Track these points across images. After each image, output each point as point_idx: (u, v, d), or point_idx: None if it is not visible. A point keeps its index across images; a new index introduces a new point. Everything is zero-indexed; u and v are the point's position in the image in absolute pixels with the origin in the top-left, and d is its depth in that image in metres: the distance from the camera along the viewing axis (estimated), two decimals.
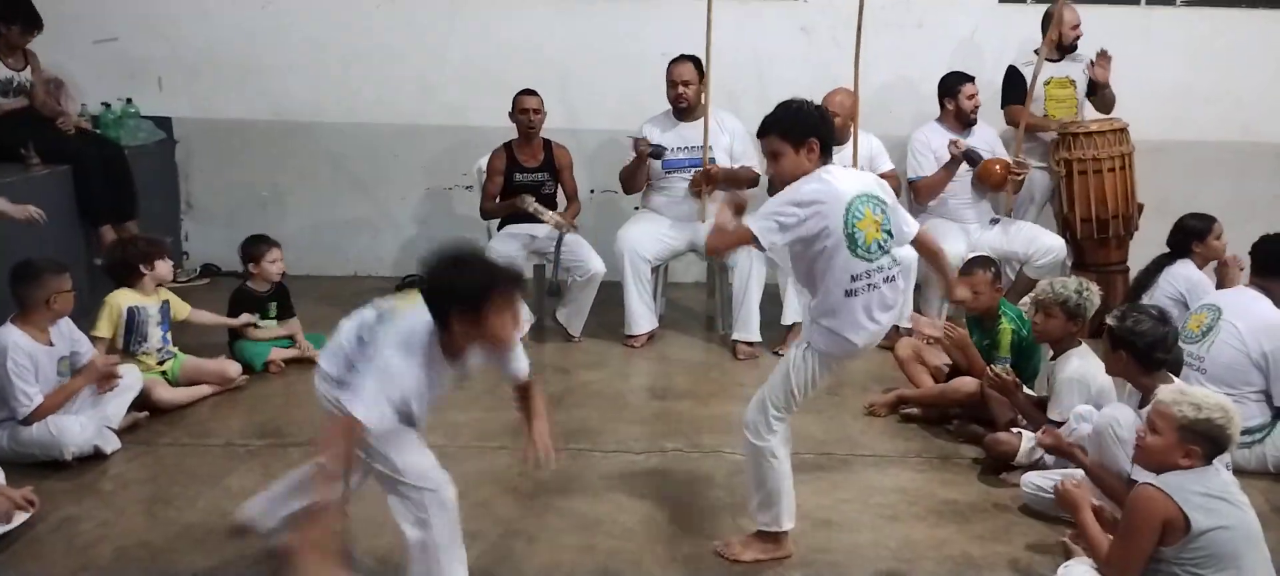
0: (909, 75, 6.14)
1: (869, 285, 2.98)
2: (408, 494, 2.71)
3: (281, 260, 4.97)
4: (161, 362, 4.45)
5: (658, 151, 5.31)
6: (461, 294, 2.53)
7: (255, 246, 4.94)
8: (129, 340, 4.36)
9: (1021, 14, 6.13)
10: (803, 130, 2.94)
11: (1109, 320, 3.30)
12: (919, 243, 3.23)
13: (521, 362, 2.96)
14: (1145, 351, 3.22)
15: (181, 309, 4.64)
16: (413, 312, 2.63)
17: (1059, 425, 3.69)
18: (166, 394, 4.31)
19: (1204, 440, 2.62)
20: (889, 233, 3.02)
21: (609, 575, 3.16)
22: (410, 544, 2.72)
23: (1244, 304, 3.92)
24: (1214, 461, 2.69)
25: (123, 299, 4.38)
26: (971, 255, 4.65)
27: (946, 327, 4.31)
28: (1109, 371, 3.46)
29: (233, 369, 4.59)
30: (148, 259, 4.47)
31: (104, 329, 4.29)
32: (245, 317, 4.82)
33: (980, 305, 4.21)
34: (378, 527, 3.17)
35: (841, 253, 2.94)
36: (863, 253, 2.95)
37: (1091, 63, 5.77)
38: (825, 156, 2.99)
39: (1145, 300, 4.53)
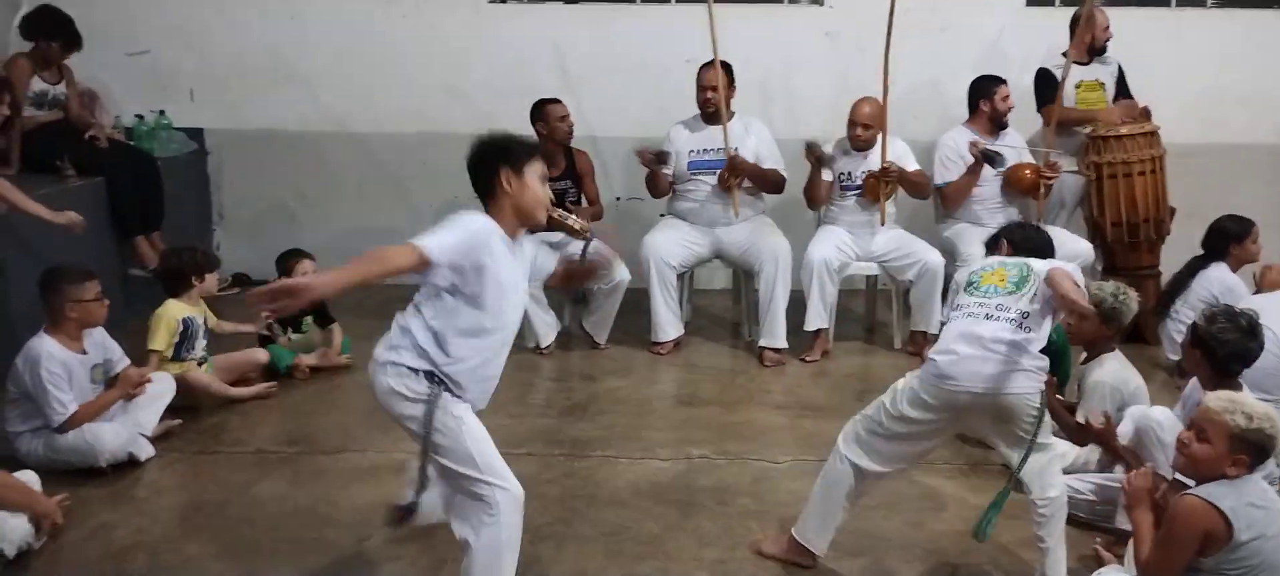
0: (934, 79, 6.11)
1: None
2: (481, 492, 2.70)
3: (311, 271, 5.00)
4: (200, 363, 4.54)
5: (662, 157, 5.32)
6: (504, 154, 2.79)
7: (288, 260, 5.01)
8: (180, 348, 4.46)
9: (1048, 17, 6.09)
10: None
11: (1198, 319, 3.26)
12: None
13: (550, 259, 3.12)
14: (1223, 360, 3.19)
15: (210, 317, 4.71)
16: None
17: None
18: (202, 379, 4.43)
19: (1253, 449, 2.57)
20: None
21: None
22: (476, 545, 2.70)
23: (1274, 310, 3.86)
24: (1259, 479, 2.65)
25: (176, 310, 4.46)
26: None
27: None
28: (1187, 367, 3.41)
29: (260, 355, 4.72)
30: (200, 271, 4.58)
31: (160, 342, 4.37)
32: (263, 320, 4.86)
33: None
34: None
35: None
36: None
37: (1123, 83, 5.71)
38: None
39: (1179, 303, 4.49)
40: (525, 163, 2.80)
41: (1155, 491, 2.82)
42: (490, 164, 2.81)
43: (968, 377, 2.88)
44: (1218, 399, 2.67)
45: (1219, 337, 3.16)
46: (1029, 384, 2.88)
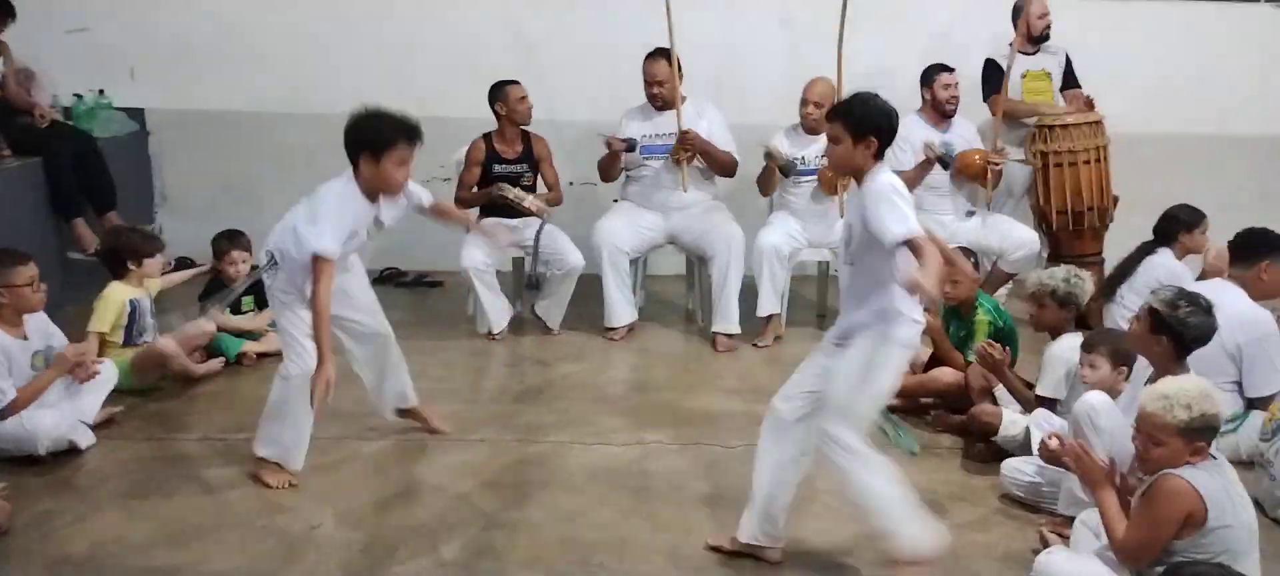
0: (888, 67, 6.13)
1: None
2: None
3: (245, 262, 4.87)
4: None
5: (632, 146, 5.31)
6: (366, 140, 3.37)
7: (221, 243, 4.91)
8: (130, 332, 4.37)
9: (1000, 6, 6.16)
10: (865, 126, 2.89)
11: (1156, 304, 3.26)
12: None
13: (423, 195, 3.75)
14: (1189, 343, 3.24)
15: (154, 286, 4.61)
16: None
17: (1050, 402, 3.78)
18: (181, 360, 4.36)
19: (1204, 432, 2.64)
20: None
21: (590, 566, 3.15)
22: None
23: (1218, 295, 3.94)
24: (1220, 456, 2.73)
25: (121, 293, 4.37)
26: (960, 245, 4.67)
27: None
28: (1134, 346, 3.41)
29: (207, 325, 4.62)
30: (137, 255, 4.46)
31: (103, 323, 4.28)
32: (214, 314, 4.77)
33: (959, 295, 4.24)
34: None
35: None
36: None
37: (1071, 72, 5.80)
38: (878, 157, 2.91)
39: (1125, 288, 4.58)
40: (384, 153, 3.36)
41: (1111, 472, 2.87)
42: (352, 148, 3.42)
43: None
44: (1151, 401, 2.70)
45: (1185, 321, 3.21)
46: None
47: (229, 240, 4.91)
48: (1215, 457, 2.70)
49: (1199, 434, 2.63)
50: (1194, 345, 3.25)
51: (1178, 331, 3.21)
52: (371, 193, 3.43)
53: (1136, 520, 2.71)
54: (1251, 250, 4.13)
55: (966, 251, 4.45)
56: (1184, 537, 2.61)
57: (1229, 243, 4.30)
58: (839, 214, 5.33)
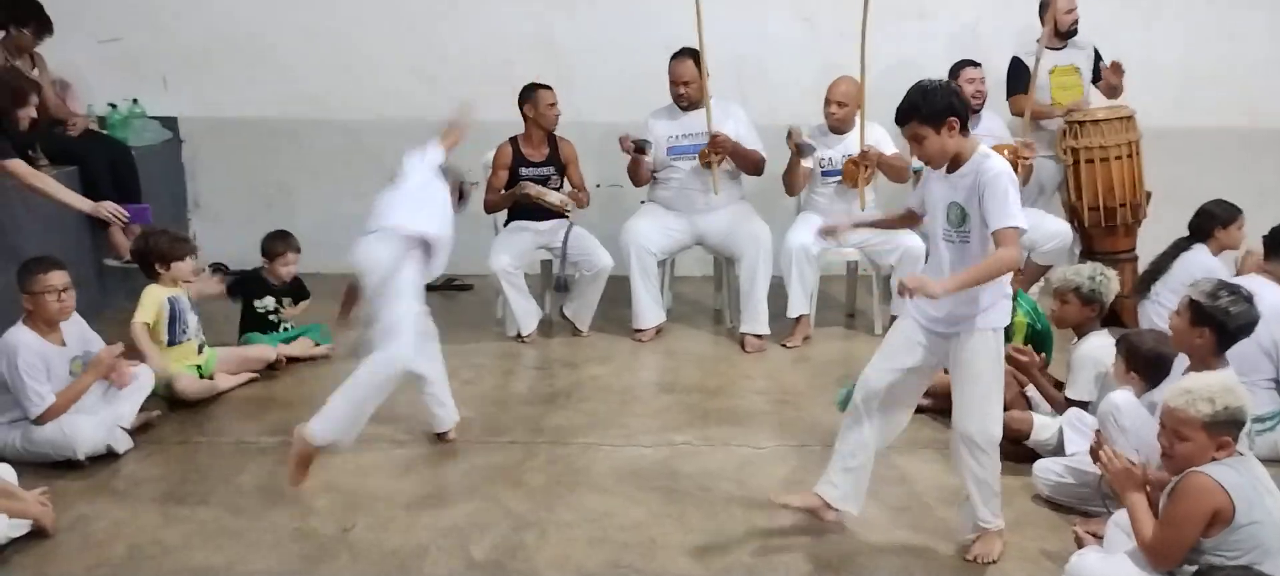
0: (911, 64, 6.08)
1: None
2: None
3: (295, 264, 5.05)
4: (200, 349, 4.52)
5: (643, 146, 5.31)
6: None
7: (272, 244, 5.01)
8: (173, 330, 4.43)
9: (1024, 2, 6.11)
10: (939, 111, 2.93)
11: (1196, 296, 3.24)
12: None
13: None
14: (1233, 333, 3.21)
15: (186, 292, 4.64)
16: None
17: (1081, 405, 3.74)
18: (191, 387, 4.36)
19: (1229, 426, 2.61)
20: None
21: (620, 567, 3.16)
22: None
23: (1255, 292, 3.89)
24: (1248, 452, 2.69)
25: (159, 293, 4.44)
26: None
27: None
28: (1176, 344, 3.39)
29: (268, 353, 4.70)
30: (165, 259, 4.49)
31: (147, 314, 4.34)
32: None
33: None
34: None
35: None
36: None
37: (1100, 65, 5.73)
38: (964, 132, 2.97)
39: (1159, 286, 4.53)
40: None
41: (1140, 476, 2.84)
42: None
43: None
44: (1174, 396, 2.68)
45: (1229, 311, 3.18)
46: None
47: (280, 242, 5.00)
48: (1243, 453, 2.66)
49: (1223, 428, 2.60)
50: (1238, 334, 3.22)
51: (1221, 321, 3.18)
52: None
53: (1163, 519, 2.68)
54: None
55: None
56: (1212, 535, 2.58)
57: (1264, 238, 4.25)
58: (860, 208, 5.30)
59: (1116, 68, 5.64)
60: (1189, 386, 2.68)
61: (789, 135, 5.23)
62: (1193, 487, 2.60)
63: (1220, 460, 2.61)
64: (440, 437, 4.02)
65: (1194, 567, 2.61)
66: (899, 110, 3.02)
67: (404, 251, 3.62)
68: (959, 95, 2.99)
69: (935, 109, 2.92)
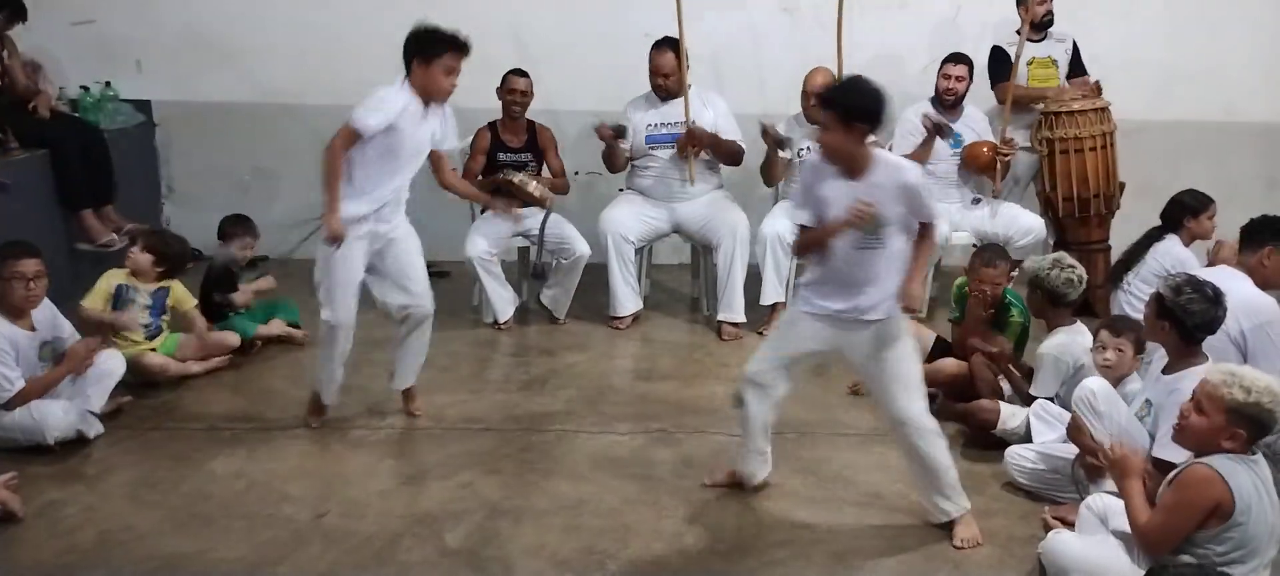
0: (892, 55, 6.13)
1: None
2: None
3: (252, 248, 5.04)
4: (151, 338, 4.47)
5: (620, 131, 5.31)
6: (419, 47, 3.76)
7: (230, 226, 4.98)
8: (116, 305, 4.42)
9: None
10: (853, 112, 3.00)
11: (1162, 290, 3.28)
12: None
13: (452, 137, 4.03)
14: (1191, 330, 3.23)
15: (184, 301, 4.57)
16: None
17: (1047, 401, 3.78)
18: (157, 361, 4.35)
19: (1250, 423, 2.59)
20: None
21: (594, 554, 3.17)
22: None
23: (1223, 282, 3.92)
24: (1259, 454, 2.68)
25: (113, 277, 4.43)
26: (980, 244, 4.65)
27: (999, 343, 4.30)
28: (1147, 335, 3.47)
29: (232, 339, 4.65)
30: (135, 248, 4.49)
31: (90, 300, 4.35)
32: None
33: (997, 296, 4.22)
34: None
35: None
36: None
37: (1078, 59, 5.78)
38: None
39: (1131, 276, 4.57)
40: (434, 59, 3.74)
41: (1140, 463, 2.83)
42: (408, 52, 3.80)
43: None
44: (1218, 371, 2.68)
45: (1187, 308, 3.21)
46: None
47: (237, 226, 4.98)
48: (1254, 453, 2.65)
49: (1243, 421, 2.58)
50: (1198, 333, 3.24)
51: (1180, 318, 3.21)
52: (423, 96, 3.74)
53: (1162, 505, 2.67)
54: (1255, 236, 4.12)
55: (997, 249, 4.42)
56: (1209, 528, 2.57)
57: (1242, 229, 4.29)
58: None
59: (1096, 87, 5.67)
60: (1237, 370, 2.67)
61: (764, 132, 5.24)
62: (1196, 478, 2.59)
63: (1230, 454, 2.60)
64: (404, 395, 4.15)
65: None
66: (824, 94, 3.14)
67: None
68: (879, 106, 3.02)
69: (851, 108, 3.00)
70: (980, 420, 3.89)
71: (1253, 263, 4.06)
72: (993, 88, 5.81)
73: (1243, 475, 2.58)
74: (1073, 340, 3.87)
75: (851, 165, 3.06)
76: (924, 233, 3.15)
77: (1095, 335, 3.66)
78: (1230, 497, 2.55)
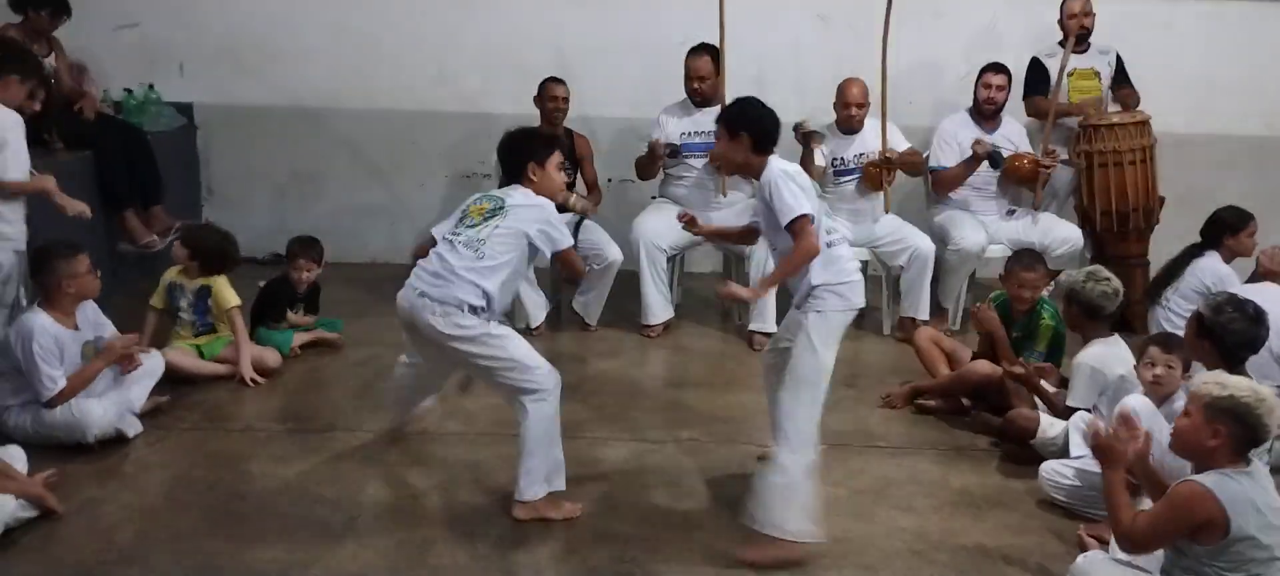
0: (928, 65, 6.11)
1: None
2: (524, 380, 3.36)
3: (313, 271, 4.95)
4: (197, 335, 4.59)
5: (675, 152, 5.31)
6: (533, 150, 3.49)
7: (295, 248, 4.96)
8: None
9: (1043, 2, 6.09)
10: (736, 123, 3.23)
11: (1202, 309, 3.26)
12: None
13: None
14: (1232, 349, 3.20)
15: (225, 300, 4.58)
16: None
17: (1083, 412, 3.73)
18: (183, 361, 4.42)
19: (1230, 419, 2.56)
20: None
21: (625, 562, 3.17)
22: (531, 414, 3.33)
23: (1266, 300, 3.87)
24: (1255, 459, 2.64)
25: (168, 275, 4.62)
26: (1017, 248, 4.63)
27: (980, 311, 4.31)
28: (1189, 353, 3.39)
29: (273, 358, 4.64)
30: (180, 244, 4.68)
31: (153, 299, 4.60)
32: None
33: (1032, 299, 4.24)
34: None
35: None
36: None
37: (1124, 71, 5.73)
38: (759, 153, 3.21)
39: (1170, 292, 4.51)
40: (546, 158, 3.49)
41: (1124, 453, 2.75)
42: (519, 158, 3.50)
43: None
44: (1205, 375, 2.71)
45: (1227, 326, 3.18)
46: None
47: (303, 249, 4.95)
48: (1249, 464, 2.63)
49: (1222, 416, 2.56)
50: (1240, 352, 3.21)
51: (1219, 336, 3.18)
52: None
53: (1151, 512, 2.67)
54: None
55: (1033, 254, 4.41)
56: (1206, 544, 2.55)
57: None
58: (884, 210, 5.32)
59: (1133, 97, 5.62)
60: (1223, 376, 2.68)
61: (796, 128, 5.21)
62: (1185, 495, 2.58)
63: (1224, 470, 2.59)
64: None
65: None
66: (719, 112, 3.39)
67: None
68: (766, 123, 3.21)
69: (734, 119, 3.24)
70: (1019, 428, 3.85)
71: None
72: (1025, 99, 5.77)
73: (1234, 488, 2.55)
74: (1110, 352, 3.83)
75: (745, 173, 3.36)
76: (792, 234, 3.10)
77: (1143, 351, 3.59)
78: (1222, 513, 2.52)
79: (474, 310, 3.27)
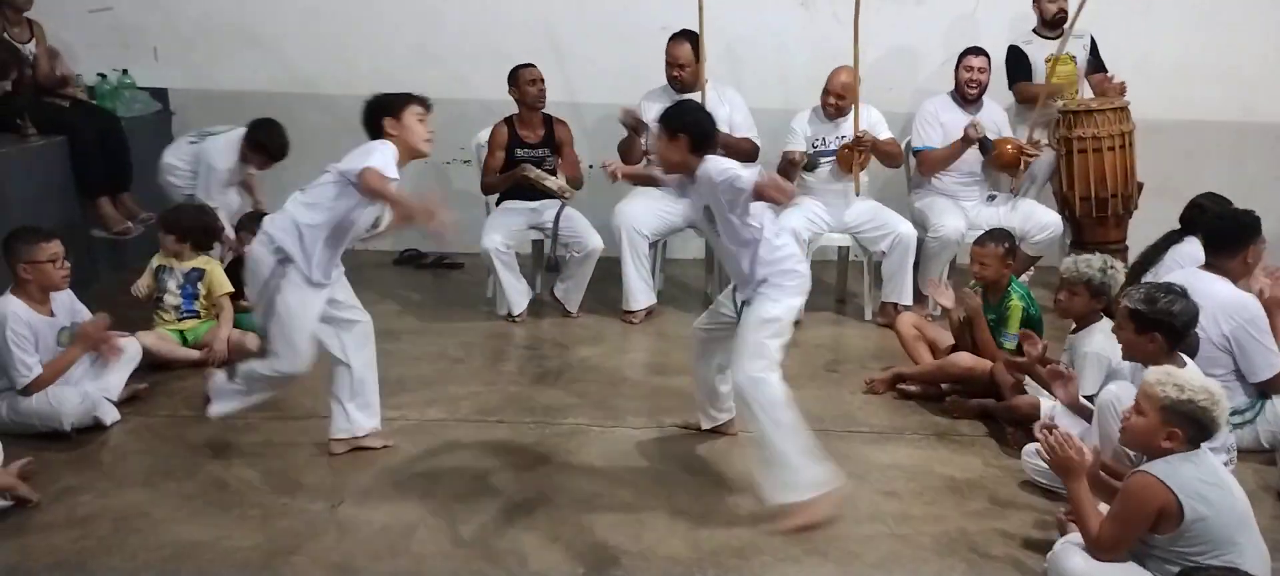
0: (908, 51, 6.11)
1: None
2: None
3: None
4: (181, 320, 4.57)
5: (640, 126, 5.28)
6: (382, 107, 3.50)
7: (246, 221, 4.98)
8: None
9: None
10: (673, 125, 3.34)
11: (1131, 304, 3.25)
12: None
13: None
14: (1181, 331, 3.20)
15: (218, 286, 4.62)
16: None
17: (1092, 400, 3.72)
18: (160, 347, 4.40)
19: (1186, 421, 2.61)
20: None
21: (607, 548, 3.17)
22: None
23: (1201, 287, 3.81)
24: (1202, 445, 2.67)
25: (156, 259, 4.62)
26: (984, 230, 4.63)
27: (963, 295, 4.32)
28: (1128, 355, 3.37)
29: (251, 342, 4.57)
30: (164, 227, 4.69)
31: (140, 284, 4.61)
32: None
33: (987, 276, 4.23)
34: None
35: None
36: None
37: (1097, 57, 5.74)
38: (696, 153, 3.32)
39: (1150, 277, 4.52)
40: (403, 111, 3.50)
41: (1082, 465, 2.78)
42: (375, 115, 3.52)
43: None
44: (1155, 372, 2.71)
45: (1170, 310, 3.18)
46: None
47: (250, 221, 4.93)
48: (1195, 450, 2.65)
49: (1179, 419, 2.60)
50: (1186, 330, 3.22)
51: (1168, 322, 3.18)
52: (404, 154, 3.47)
53: (1109, 515, 2.71)
54: (1226, 236, 4.02)
55: (1003, 234, 4.42)
56: (1165, 533, 2.59)
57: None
58: (855, 194, 5.31)
59: (1121, 88, 5.63)
60: (1173, 371, 2.70)
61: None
62: (1134, 487, 2.62)
63: (1170, 457, 2.61)
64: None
65: (1177, 568, 2.62)
66: (660, 116, 3.44)
67: None
68: (699, 123, 3.36)
69: (670, 121, 3.35)
70: (1022, 415, 3.86)
71: (1234, 264, 3.97)
72: (1011, 87, 5.79)
73: (1184, 474, 2.58)
74: (1110, 340, 3.81)
75: (683, 172, 3.41)
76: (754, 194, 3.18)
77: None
78: (1174, 500, 2.55)
79: (278, 251, 3.37)
